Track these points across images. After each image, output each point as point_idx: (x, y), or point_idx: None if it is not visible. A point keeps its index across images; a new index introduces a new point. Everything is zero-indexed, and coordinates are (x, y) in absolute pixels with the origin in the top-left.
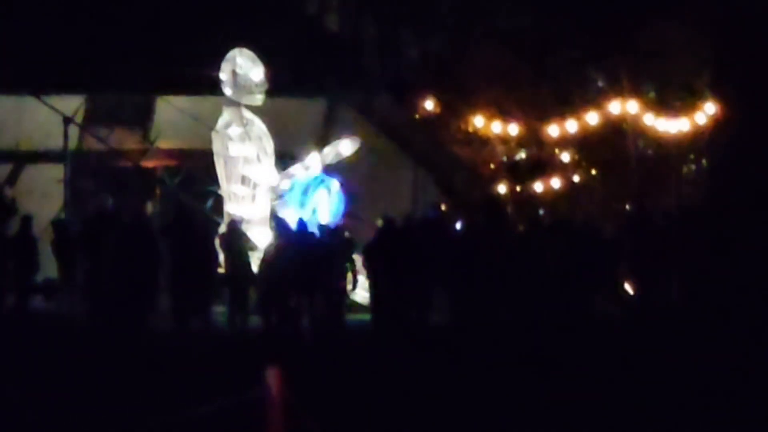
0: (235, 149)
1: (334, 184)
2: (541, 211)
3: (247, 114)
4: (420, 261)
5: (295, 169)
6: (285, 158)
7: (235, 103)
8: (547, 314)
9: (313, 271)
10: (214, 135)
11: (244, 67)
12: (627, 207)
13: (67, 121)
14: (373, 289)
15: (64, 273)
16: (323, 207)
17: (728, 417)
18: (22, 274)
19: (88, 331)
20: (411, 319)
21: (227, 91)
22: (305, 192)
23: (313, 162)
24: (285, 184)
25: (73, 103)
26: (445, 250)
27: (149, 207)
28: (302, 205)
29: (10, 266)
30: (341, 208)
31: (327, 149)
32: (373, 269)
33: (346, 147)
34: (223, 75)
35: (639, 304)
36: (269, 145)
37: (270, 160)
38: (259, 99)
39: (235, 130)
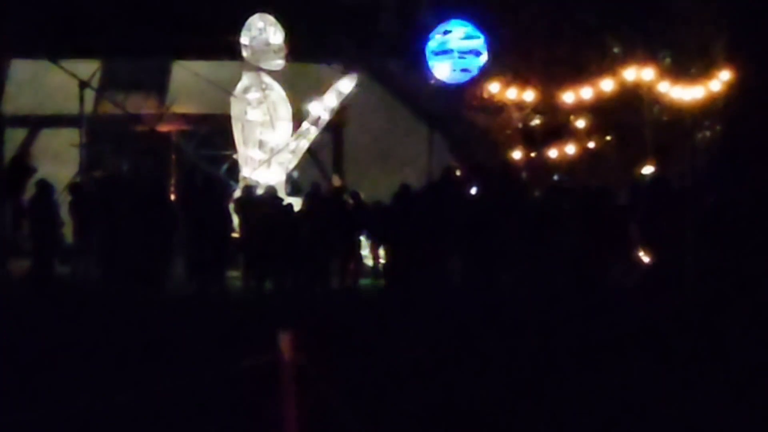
0: (253, 114)
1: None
2: (556, 177)
3: (267, 79)
4: (435, 227)
5: (306, 125)
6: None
7: (254, 68)
8: (562, 280)
9: (336, 236)
10: (232, 99)
11: (264, 31)
12: (642, 173)
13: (83, 85)
14: (388, 255)
15: (80, 237)
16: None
17: (740, 389)
18: (45, 239)
19: (103, 294)
20: (426, 285)
21: (247, 55)
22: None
23: (318, 110)
24: (303, 144)
25: (89, 68)
26: (460, 215)
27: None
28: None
29: (30, 230)
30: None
31: (328, 94)
32: (388, 235)
33: (345, 85)
34: (244, 39)
35: (653, 271)
36: (287, 111)
37: (287, 125)
38: (278, 64)
39: (253, 95)
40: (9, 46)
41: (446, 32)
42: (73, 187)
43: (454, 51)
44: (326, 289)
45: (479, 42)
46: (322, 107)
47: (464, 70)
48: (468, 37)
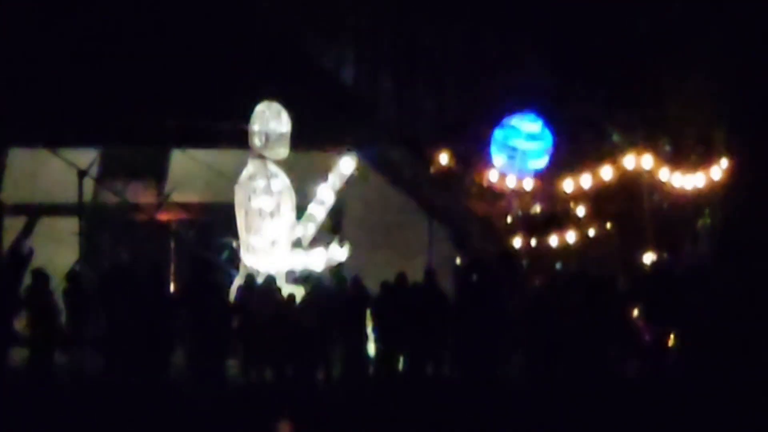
0: (257, 202)
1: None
2: (557, 265)
3: (272, 167)
4: (435, 316)
5: (313, 208)
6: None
7: (260, 156)
8: (563, 369)
9: (339, 326)
10: (236, 187)
11: (272, 120)
12: (644, 261)
13: (82, 174)
14: (386, 344)
15: (75, 326)
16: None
17: None
18: (43, 329)
19: (102, 385)
20: (426, 375)
21: (252, 143)
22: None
23: (325, 194)
24: (310, 228)
25: (87, 156)
26: (461, 304)
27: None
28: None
29: (27, 320)
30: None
31: (331, 176)
32: (386, 325)
33: (346, 166)
34: (250, 127)
35: (655, 358)
36: (291, 199)
37: (291, 214)
38: (284, 152)
39: (258, 183)
40: (7, 135)
41: (513, 126)
42: (70, 275)
43: (517, 148)
44: (328, 379)
45: (544, 144)
46: (329, 190)
47: (521, 170)
48: (533, 137)
